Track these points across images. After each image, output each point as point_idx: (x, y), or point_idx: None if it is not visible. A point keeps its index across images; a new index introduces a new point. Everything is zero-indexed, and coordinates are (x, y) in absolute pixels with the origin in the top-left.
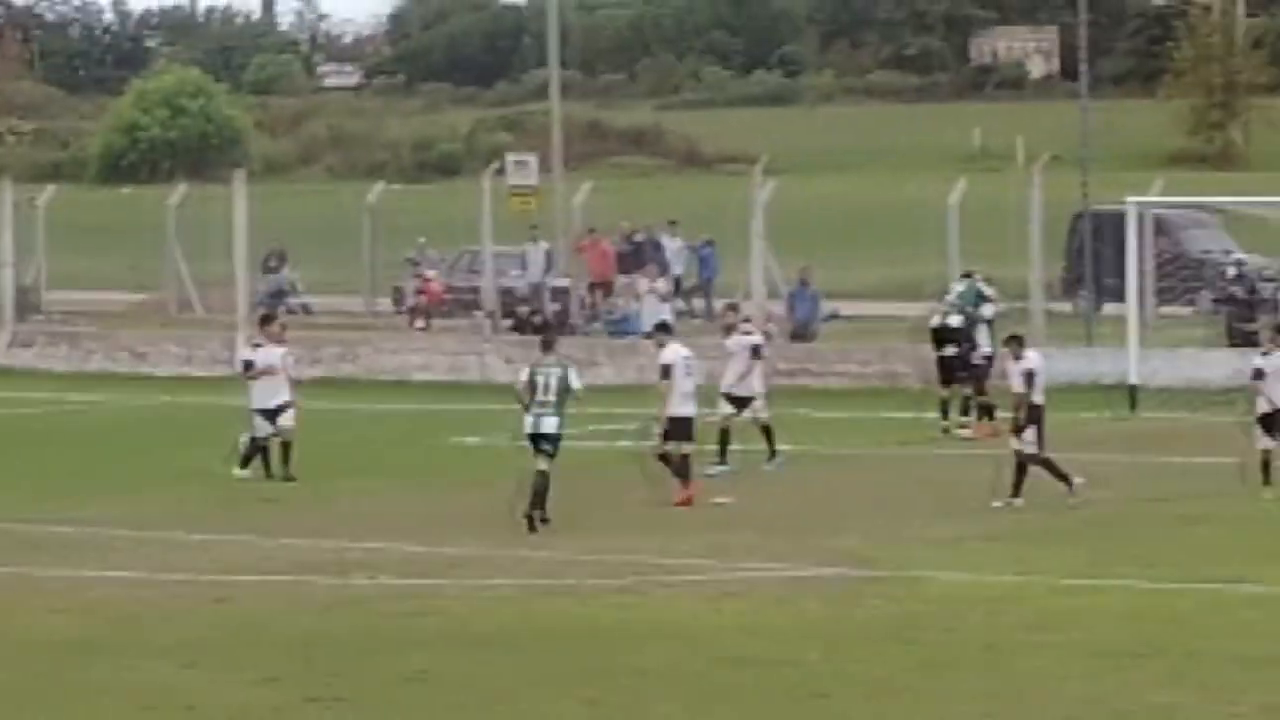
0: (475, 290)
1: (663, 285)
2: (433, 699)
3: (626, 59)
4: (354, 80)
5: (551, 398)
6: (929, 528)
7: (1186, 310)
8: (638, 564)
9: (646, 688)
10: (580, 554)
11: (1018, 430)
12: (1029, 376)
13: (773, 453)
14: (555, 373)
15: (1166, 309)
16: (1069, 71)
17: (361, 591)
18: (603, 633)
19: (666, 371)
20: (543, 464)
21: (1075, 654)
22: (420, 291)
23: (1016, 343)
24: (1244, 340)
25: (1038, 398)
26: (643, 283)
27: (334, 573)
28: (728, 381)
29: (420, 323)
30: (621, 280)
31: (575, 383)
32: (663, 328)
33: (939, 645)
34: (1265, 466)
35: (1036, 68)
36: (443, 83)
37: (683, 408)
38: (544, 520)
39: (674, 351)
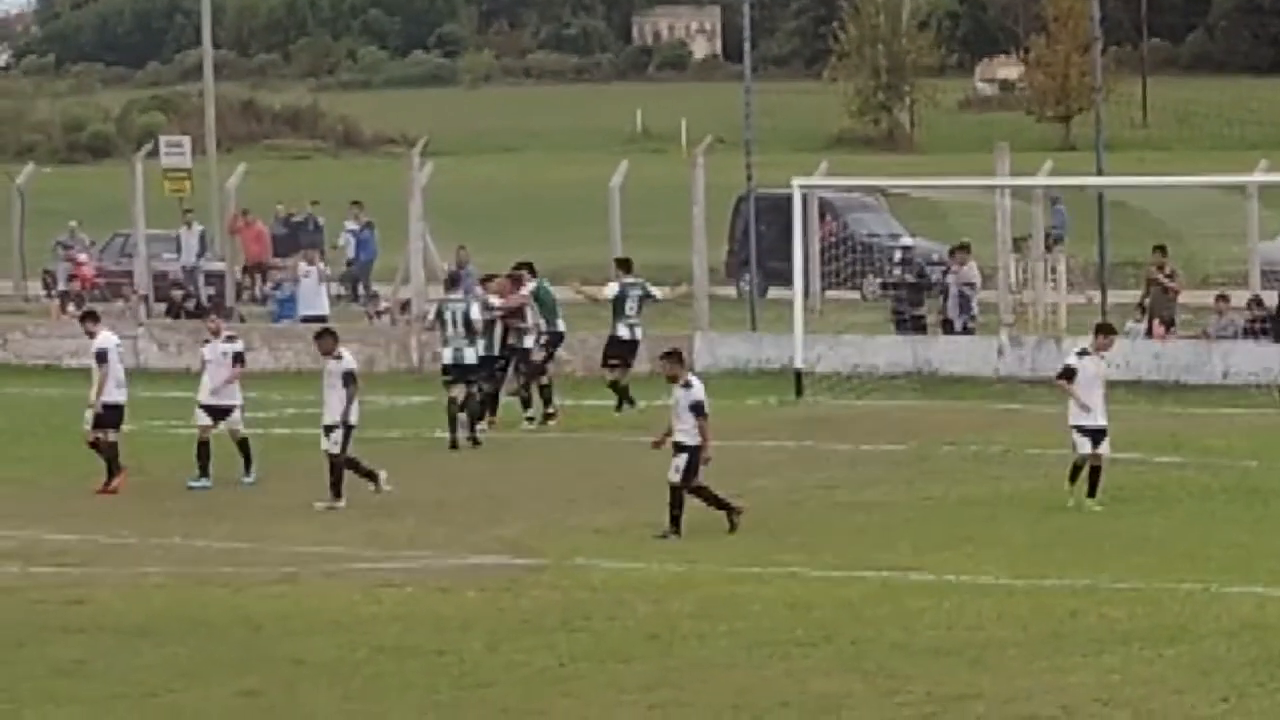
0: (128, 274)
1: (324, 268)
2: (87, 690)
3: (281, 39)
4: (2, 60)
5: (462, 331)
6: (592, 516)
7: (853, 295)
8: (295, 553)
9: (305, 678)
10: (236, 542)
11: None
12: (349, 376)
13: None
14: (460, 308)
15: (833, 293)
16: (732, 52)
17: (13, 581)
18: (260, 622)
19: (102, 357)
20: (457, 391)
21: (741, 642)
22: (72, 276)
23: (332, 339)
24: (911, 325)
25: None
26: (302, 265)
27: None
28: (206, 391)
29: (72, 308)
30: (279, 263)
31: (476, 315)
32: (91, 316)
33: (604, 634)
34: (1093, 474)
35: (699, 48)
36: (94, 63)
37: (117, 394)
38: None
39: (108, 337)
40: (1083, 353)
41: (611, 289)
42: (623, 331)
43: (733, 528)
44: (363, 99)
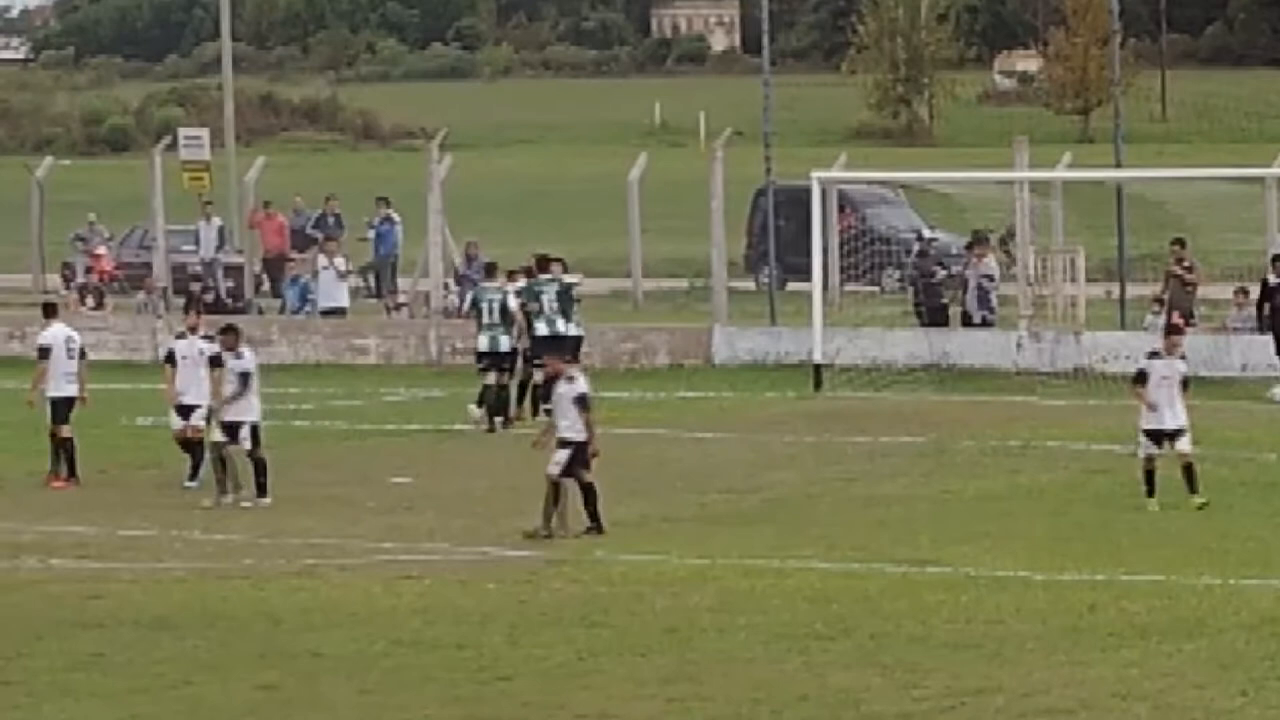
0: (147, 267)
1: (341, 262)
2: (106, 684)
3: (299, 32)
4: (21, 54)
5: (498, 319)
6: (612, 509)
7: (872, 288)
8: (314, 546)
9: (324, 671)
10: (256, 536)
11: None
12: (246, 377)
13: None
14: (497, 298)
15: (851, 287)
16: (751, 46)
17: (32, 574)
18: (279, 616)
19: (45, 353)
20: (493, 379)
21: (759, 636)
22: (89, 269)
23: (235, 335)
24: (932, 319)
25: None
26: (321, 259)
27: (5, 556)
28: (176, 391)
29: (90, 303)
30: (296, 256)
31: (512, 304)
32: (50, 309)
33: (623, 628)
34: (1187, 471)
35: (718, 42)
36: (112, 56)
37: (65, 389)
38: (506, 422)
39: (55, 332)
40: (1153, 355)
41: (512, 301)
42: (541, 329)
43: (585, 532)
44: (381, 92)
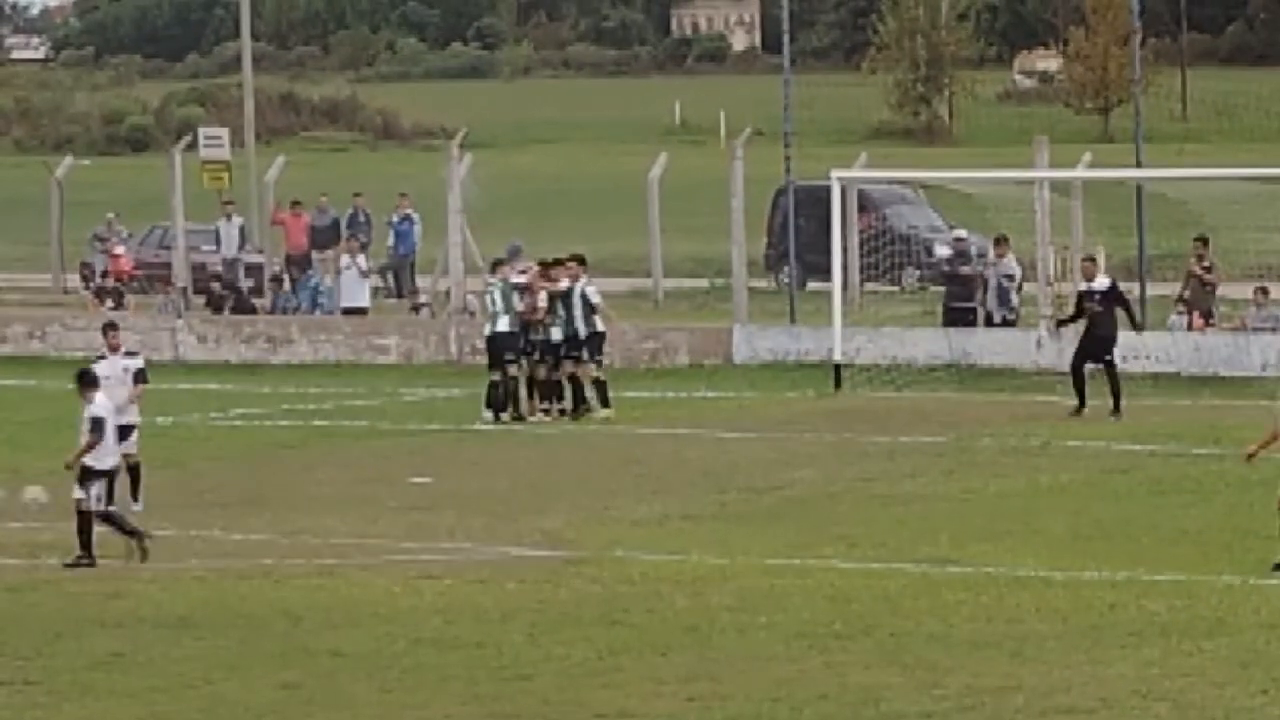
0: (166, 267)
1: (363, 261)
2: (126, 683)
3: (319, 31)
4: (41, 53)
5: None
6: (632, 508)
7: (893, 288)
8: (335, 545)
9: (344, 670)
10: (276, 534)
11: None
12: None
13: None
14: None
15: (872, 286)
16: (771, 44)
17: (53, 573)
18: (299, 615)
19: None
20: (514, 370)
21: (779, 635)
22: (105, 272)
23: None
24: (959, 319)
25: None
26: (344, 258)
27: (25, 555)
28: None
29: (109, 303)
30: (317, 255)
31: (595, 297)
32: None
33: (642, 627)
34: None
35: (738, 41)
36: (132, 55)
37: None
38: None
39: None
40: None
41: (593, 294)
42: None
43: (72, 564)
44: (401, 91)
